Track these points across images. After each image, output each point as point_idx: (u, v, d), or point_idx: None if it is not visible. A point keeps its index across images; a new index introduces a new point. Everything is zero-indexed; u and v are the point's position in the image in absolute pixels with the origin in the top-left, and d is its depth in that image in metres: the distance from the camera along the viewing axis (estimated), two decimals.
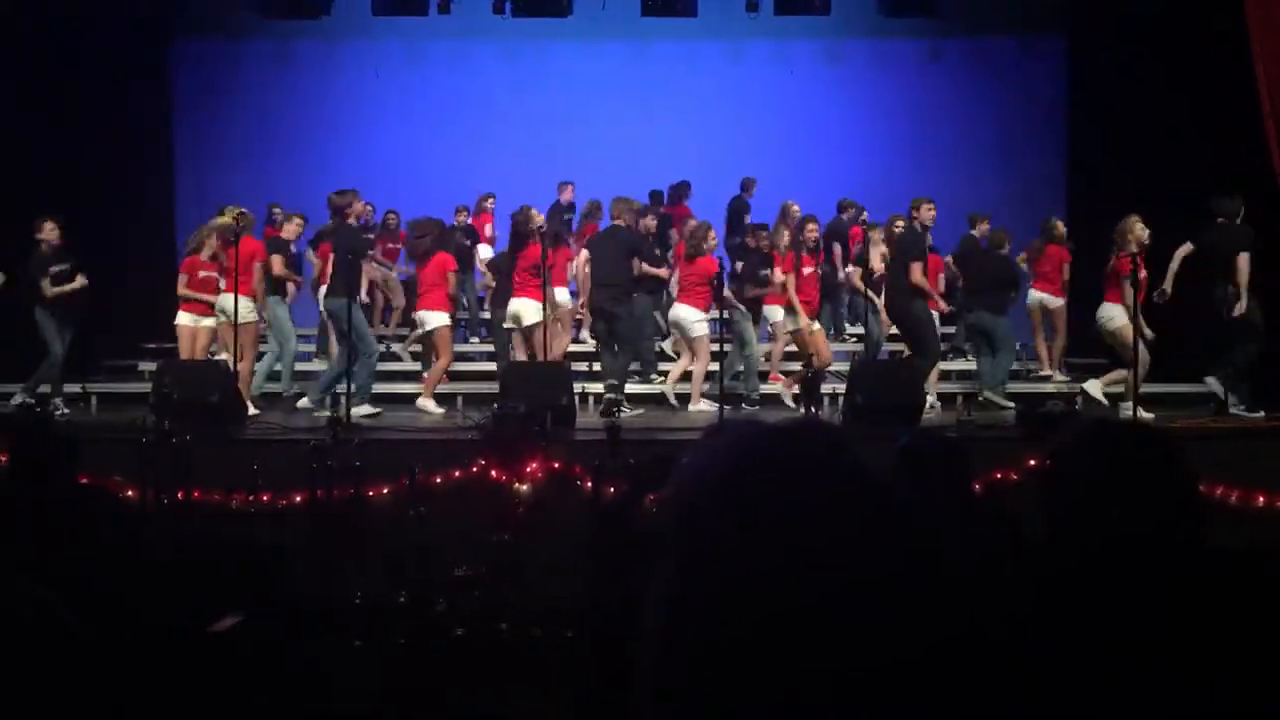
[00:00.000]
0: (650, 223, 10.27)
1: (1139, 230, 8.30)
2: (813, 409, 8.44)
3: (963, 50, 13.32)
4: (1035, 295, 9.99)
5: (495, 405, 7.55)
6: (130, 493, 5.92)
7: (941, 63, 13.39)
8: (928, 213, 8.92)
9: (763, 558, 0.73)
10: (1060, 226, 10.03)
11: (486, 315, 11.29)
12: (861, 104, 13.43)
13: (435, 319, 8.81)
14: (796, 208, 10.07)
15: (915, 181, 11.59)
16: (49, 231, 8.79)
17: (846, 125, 13.29)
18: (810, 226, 9.81)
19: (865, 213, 10.36)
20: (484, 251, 11.86)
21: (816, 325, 9.60)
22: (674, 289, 10.04)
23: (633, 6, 12.12)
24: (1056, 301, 9.95)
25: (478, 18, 12.30)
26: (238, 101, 13.14)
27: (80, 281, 8.83)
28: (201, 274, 8.79)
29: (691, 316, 9.02)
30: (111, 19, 11.21)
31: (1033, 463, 6.15)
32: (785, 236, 9.46)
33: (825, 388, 9.18)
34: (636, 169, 12.05)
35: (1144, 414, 8.08)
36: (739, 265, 9.85)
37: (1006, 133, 12.92)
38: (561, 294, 10.05)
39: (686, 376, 9.29)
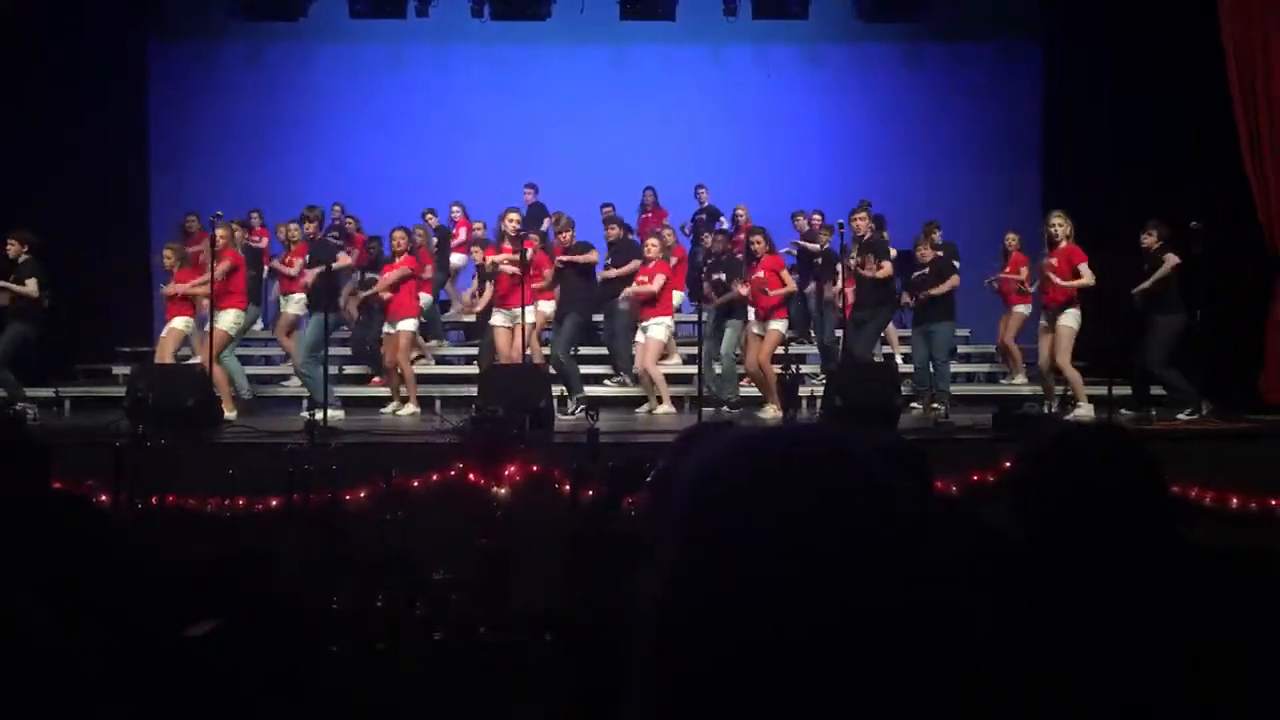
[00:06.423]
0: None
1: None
2: (791, 411, 8.46)
3: (941, 55, 13.39)
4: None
5: (473, 408, 7.53)
6: (105, 498, 5.87)
7: (920, 67, 13.47)
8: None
9: (771, 562, 0.72)
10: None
11: (471, 319, 11.27)
12: (840, 107, 13.49)
13: (400, 324, 9.15)
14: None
15: (892, 184, 11.66)
16: (11, 247, 8.72)
17: (825, 128, 13.35)
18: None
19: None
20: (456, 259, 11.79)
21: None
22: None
23: (611, 10, 12.13)
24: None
25: (456, 21, 12.28)
26: (214, 104, 13.05)
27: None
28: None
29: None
30: (87, 21, 11.11)
31: (1007, 465, 6.18)
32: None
33: (803, 390, 9.19)
34: (615, 173, 12.05)
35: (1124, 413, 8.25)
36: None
37: (983, 137, 13.00)
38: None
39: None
